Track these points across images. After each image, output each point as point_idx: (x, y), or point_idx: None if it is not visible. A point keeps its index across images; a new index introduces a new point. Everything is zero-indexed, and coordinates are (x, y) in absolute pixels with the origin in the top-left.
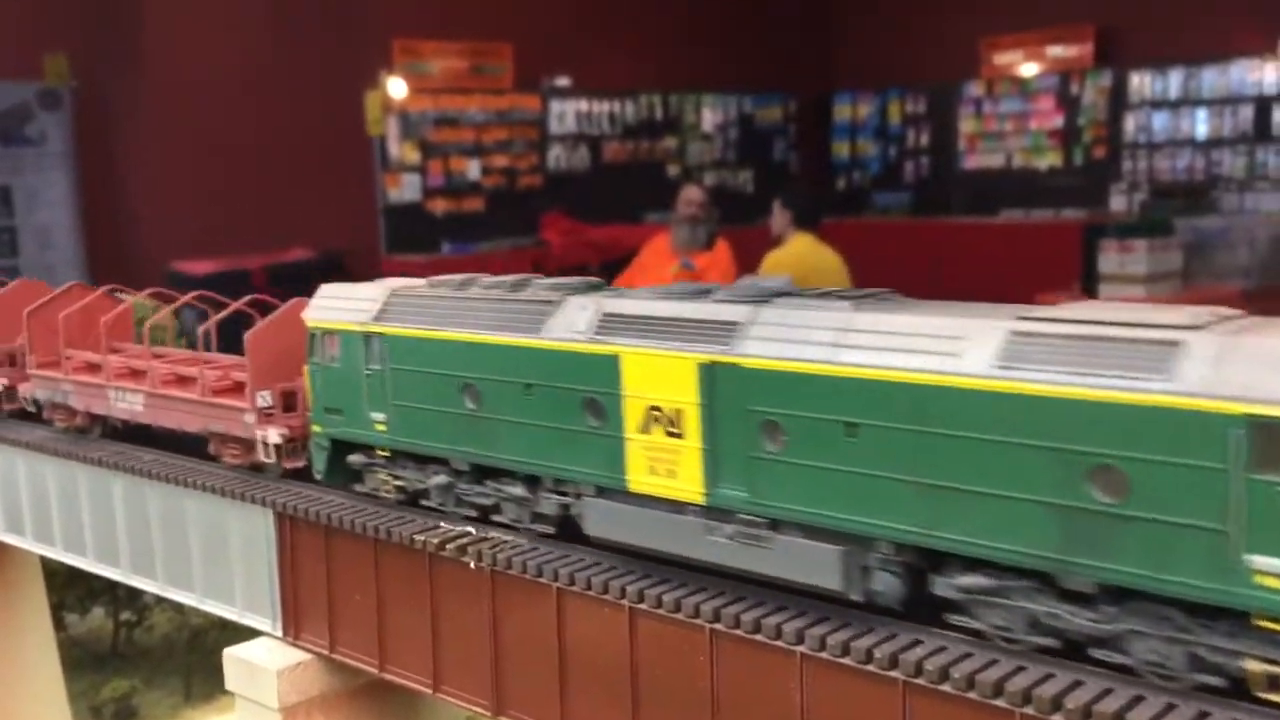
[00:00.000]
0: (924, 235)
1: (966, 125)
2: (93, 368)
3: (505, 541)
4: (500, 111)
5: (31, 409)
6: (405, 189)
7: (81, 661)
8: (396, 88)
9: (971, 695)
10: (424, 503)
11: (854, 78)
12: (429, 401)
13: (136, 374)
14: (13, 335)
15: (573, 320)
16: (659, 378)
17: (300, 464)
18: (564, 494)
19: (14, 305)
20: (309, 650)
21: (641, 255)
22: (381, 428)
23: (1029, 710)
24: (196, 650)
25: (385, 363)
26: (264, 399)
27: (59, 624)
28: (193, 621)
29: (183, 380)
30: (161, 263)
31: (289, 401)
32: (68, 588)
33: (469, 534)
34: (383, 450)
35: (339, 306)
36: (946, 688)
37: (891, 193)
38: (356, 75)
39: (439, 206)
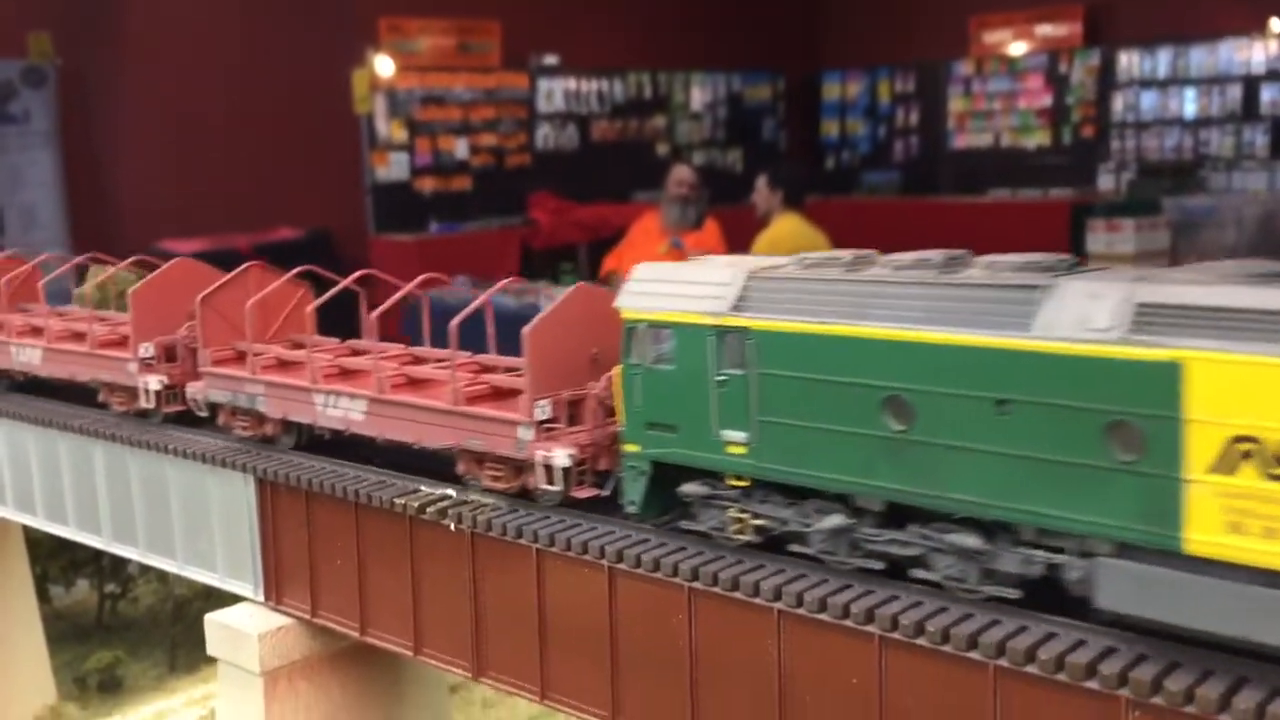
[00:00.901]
0: (912, 214)
1: (955, 104)
2: None
3: (485, 504)
4: (488, 90)
5: None
6: (393, 168)
7: (66, 634)
8: (384, 66)
9: (946, 649)
10: (795, 548)
11: (843, 56)
12: (821, 418)
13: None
14: None
15: (1084, 312)
16: (1257, 396)
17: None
18: (1051, 549)
19: None
20: (290, 615)
21: (630, 234)
22: (739, 450)
23: (1003, 662)
24: (181, 621)
25: (750, 366)
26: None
27: (43, 596)
28: (176, 593)
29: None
30: (149, 241)
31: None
32: (52, 560)
33: (449, 497)
34: (738, 480)
35: (673, 292)
36: (922, 641)
37: (880, 172)
38: (343, 53)
39: (427, 185)
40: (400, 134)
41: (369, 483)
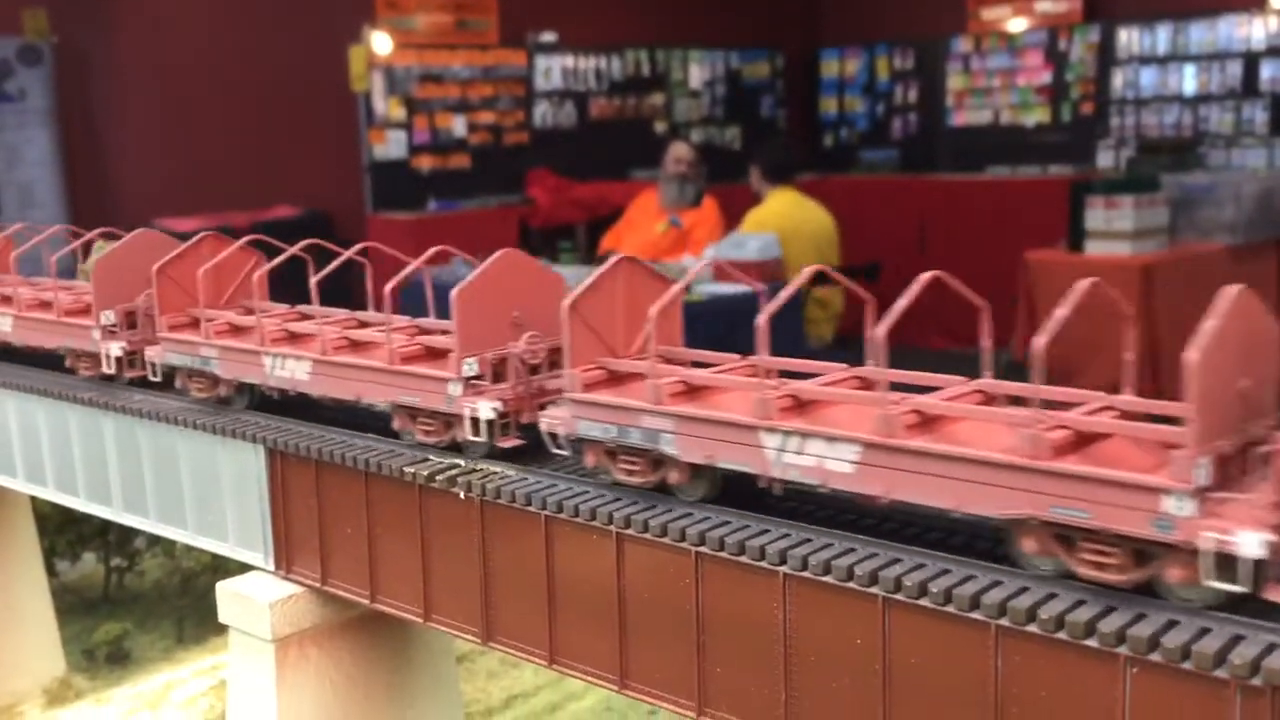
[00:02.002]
0: (911, 192)
1: (954, 81)
2: None
3: (495, 472)
4: (486, 67)
5: None
6: (391, 146)
7: (74, 607)
8: (381, 43)
9: (949, 609)
10: None
11: (842, 33)
12: None
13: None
14: None
15: None
16: None
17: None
18: None
19: None
20: (301, 583)
21: (629, 212)
22: None
23: (1004, 622)
24: (188, 594)
25: None
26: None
27: (50, 570)
28: (184, 566)
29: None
30: (147, 220)
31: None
32: (59, 534)
33: (457, 465)
34: None
35: None
36: (925, 602)
37: (879, 149)
38: (340, 30)
39: (425, 163)
40: (398, 112)
41: (378, 452)
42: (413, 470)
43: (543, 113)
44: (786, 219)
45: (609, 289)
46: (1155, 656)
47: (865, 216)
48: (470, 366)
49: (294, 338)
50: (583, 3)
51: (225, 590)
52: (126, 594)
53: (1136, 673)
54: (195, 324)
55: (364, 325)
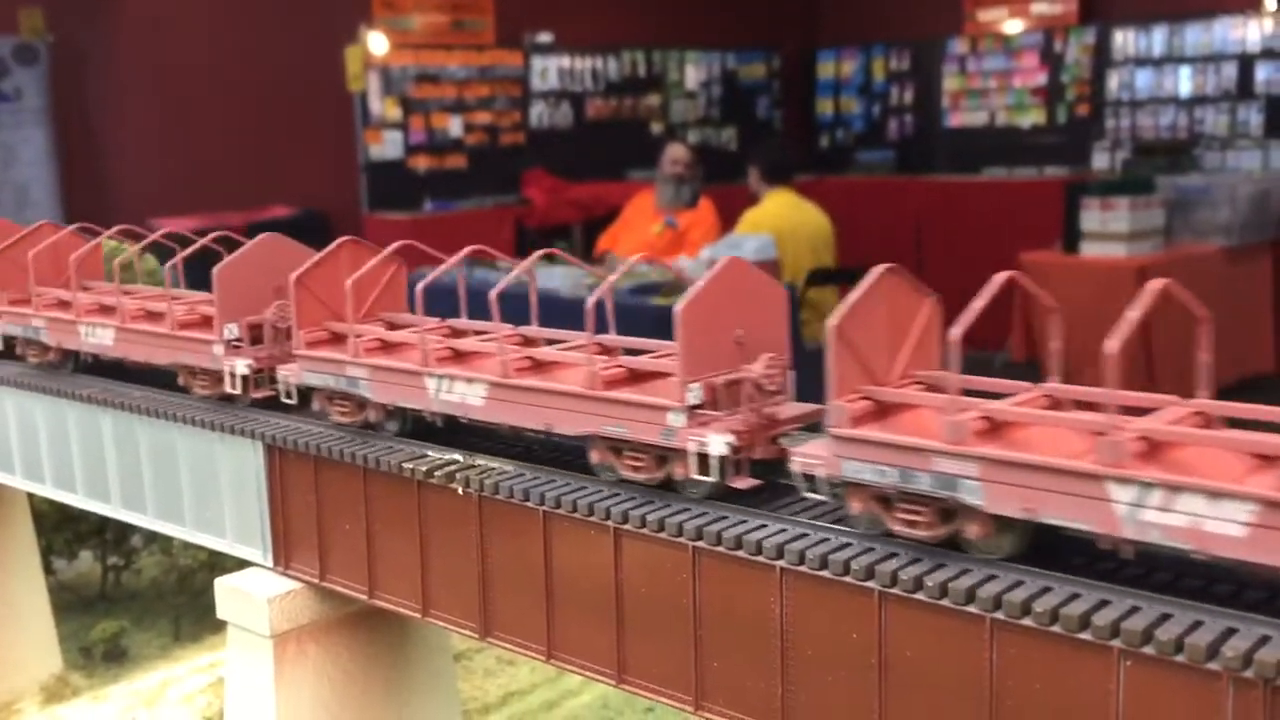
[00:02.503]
0: (907, 193)
1: (950, 83)
2: None
3: (493, 468)
4: (482, 68)
5: None
6: (387, 146)
7: (70, 604)
8: (377, 43)
9: (945, 602)
10: None
11: (838, 34)
12: None
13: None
14: None
15: None
16: None
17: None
18: None
19: None
20: (299, 579)
21: (625, 213)
22: None
23: (999, 615)
24: (185, 592)
25: None
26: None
27: (47, 568)
28: (181, 563)
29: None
30: (141, 219)
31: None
32: (56, 531)
33: (456, 461)
34: None
35: None
36: (920, 596)
37: (875, 151)
38: (336, 30)
39: (421, 164)
40: (394, 112)
41: (376, 448)
42: (411, 466)
43: (539, 113)
44: (784, 220)
45: (872, 307)
46: (1149, 649)
47: (861, 217)
48: (695, 393)
49: (462, 356)
50: (579, 3)
51: (224, 586)
52: (124, 592)
53: (1130, 665)
54: (336, 340)
55: (530, 342)
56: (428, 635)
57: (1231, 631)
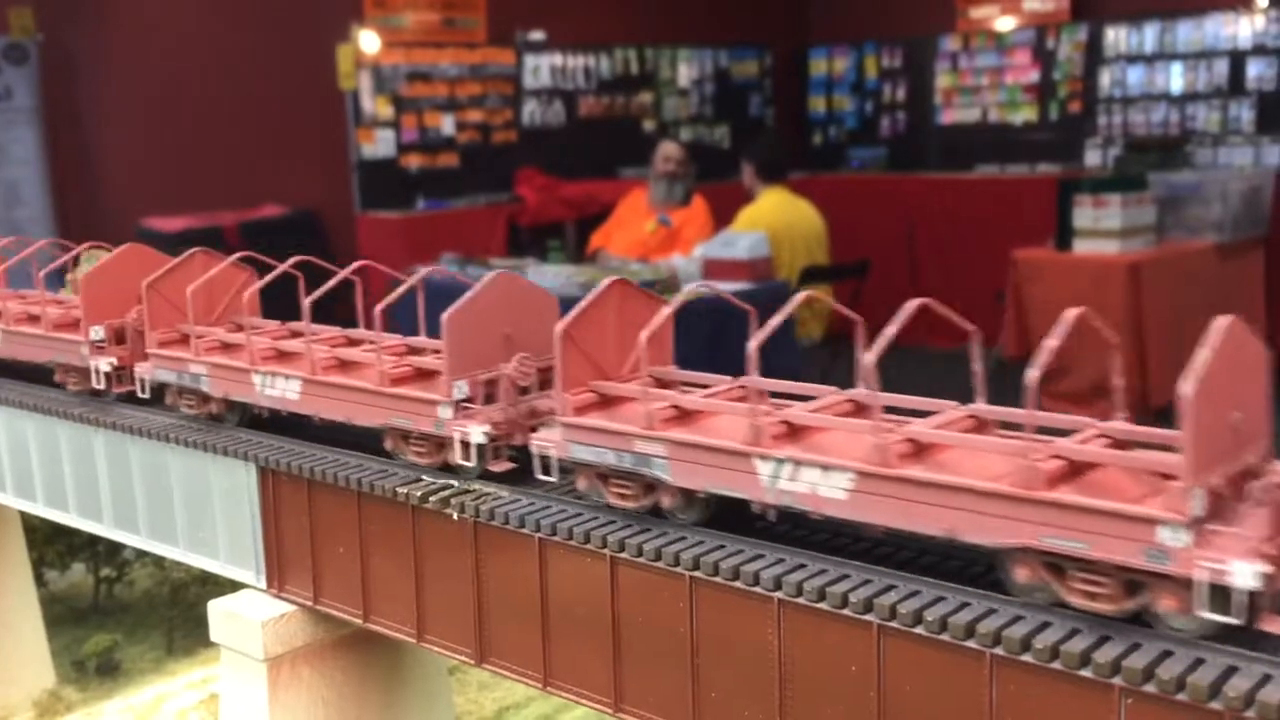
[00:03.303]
0: (900, 190)
1: (943, 80)
2: None
3: (488, 494)
4: (474, 66)
5: None
6: (379, 145)
7: (63, 617)
8: (369, 41)
9: (944, 637)
10: None
11: (830, 31)
12: None
13: None
14: None
15: None
16: None
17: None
18: None
19: None
20: (293, 602)
21: (618, 211)
22: None
23: (999, 650)
24: (178, 605)
25: None
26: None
27: (39, 580)
28: (173, 577)
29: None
30: (133, 219)
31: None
32: (48, 544)
33: (451, 486)
34: None
35: None
36: (919, 630)
37: (867, 148)
38: (328, 28)
39: (413, 162)
40: (386, 110)
41: (371, 471)
42: (406, 491)
43: (531, 111)
44: (779, 218)
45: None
46: (1150, 687)
47: (854, 215)
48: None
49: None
50: (571, 1)
51: (217, 609)
52: (116, 604)
53: (1131, 703)
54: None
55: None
56: (423, 656)
57: (1233, 670)
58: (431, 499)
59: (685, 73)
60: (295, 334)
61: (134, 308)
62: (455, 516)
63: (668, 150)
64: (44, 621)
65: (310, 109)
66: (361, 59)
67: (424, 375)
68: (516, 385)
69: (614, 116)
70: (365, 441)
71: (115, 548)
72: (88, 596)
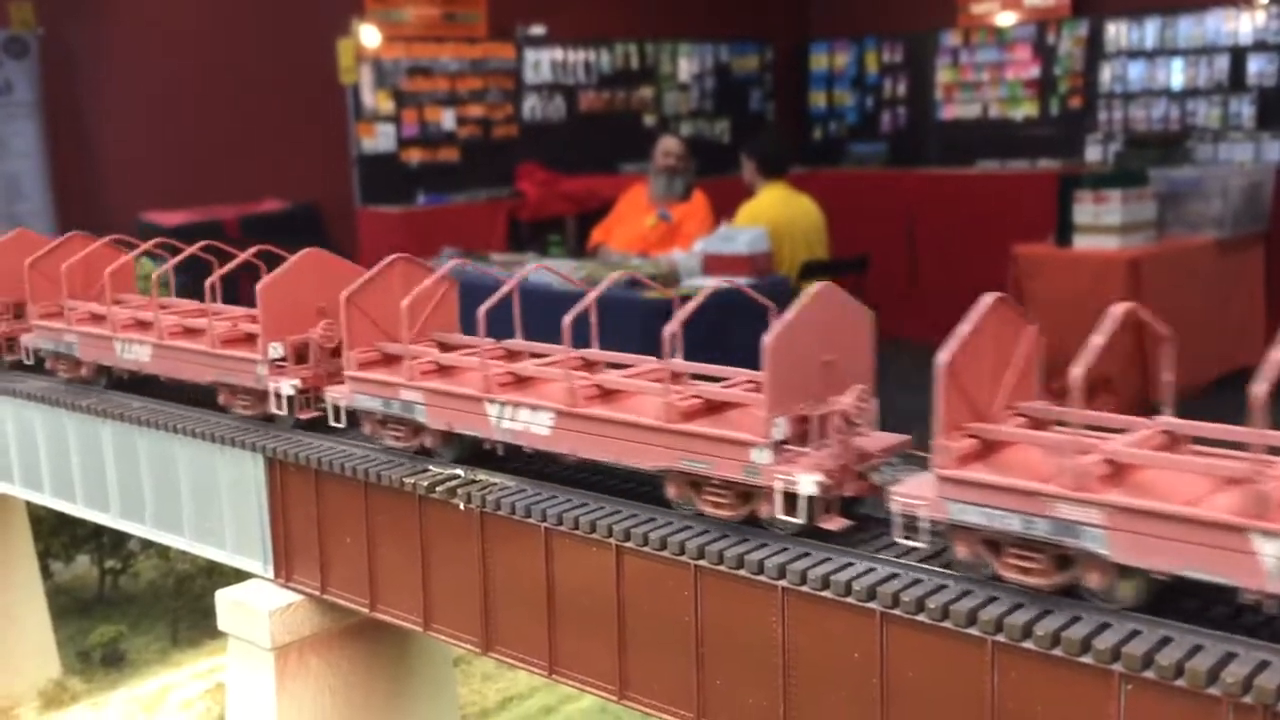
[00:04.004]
0: (900, 185)
1: (943, 75)
2: None
3: (494, 484)
4: (474, 60)
5: None
6: (379, 139)
7: (68, 608)
8: (369, 36)
9: (946, 624)
10: None
11: (831, 26)
12: None
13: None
14: None
15: None
16: None
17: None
18: None
19: None
20: (300, 591)
21: (618, 206)
22: None
23: (1000, 638)
24: (183, 595)
25: None
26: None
27: (45, 572)
28: (178, 568)
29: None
30: (132, 213)
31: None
32: (53, 535)
33: (458, 476)
34: None
35: None
36: (922, 618)
37: (868, 143)
38: (328, 22)
39: (414, 157)
40: (386, 105)
41: (378, 462)
42: (412, 480)
43: (532, 106)
44: (780, 213)
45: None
46: (1149, 673)
47: (854, 210)
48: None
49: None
50: None
51: (225, 598)
52: (121, 595)
53: (1131, 689)
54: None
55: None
56: (428, 645)
57: (1231, 656)
58: (438, 489)
59: (686, 67)
60: (511, 354)
61: (319, 321)
62: (462, 507)
63: (668, 145)
64: (49, 613)
65: (311, 103)
66: (362, 53)
67: (714, 408)
68: (851, 422)
69: (614, 111)
70: (636, 488)
71: (120, 539)
72: (93, 588)
